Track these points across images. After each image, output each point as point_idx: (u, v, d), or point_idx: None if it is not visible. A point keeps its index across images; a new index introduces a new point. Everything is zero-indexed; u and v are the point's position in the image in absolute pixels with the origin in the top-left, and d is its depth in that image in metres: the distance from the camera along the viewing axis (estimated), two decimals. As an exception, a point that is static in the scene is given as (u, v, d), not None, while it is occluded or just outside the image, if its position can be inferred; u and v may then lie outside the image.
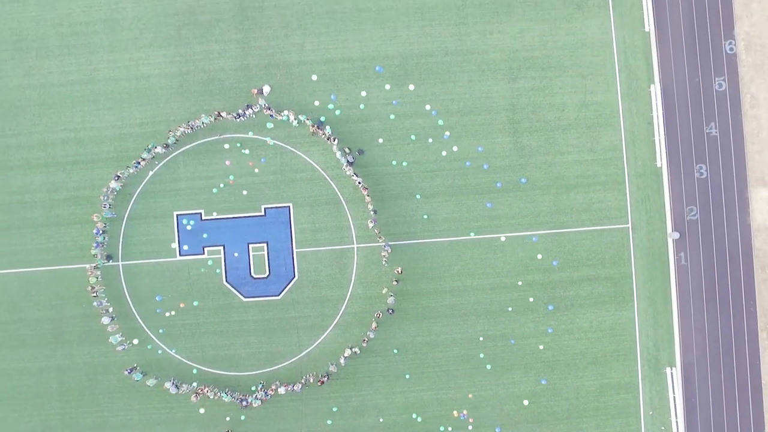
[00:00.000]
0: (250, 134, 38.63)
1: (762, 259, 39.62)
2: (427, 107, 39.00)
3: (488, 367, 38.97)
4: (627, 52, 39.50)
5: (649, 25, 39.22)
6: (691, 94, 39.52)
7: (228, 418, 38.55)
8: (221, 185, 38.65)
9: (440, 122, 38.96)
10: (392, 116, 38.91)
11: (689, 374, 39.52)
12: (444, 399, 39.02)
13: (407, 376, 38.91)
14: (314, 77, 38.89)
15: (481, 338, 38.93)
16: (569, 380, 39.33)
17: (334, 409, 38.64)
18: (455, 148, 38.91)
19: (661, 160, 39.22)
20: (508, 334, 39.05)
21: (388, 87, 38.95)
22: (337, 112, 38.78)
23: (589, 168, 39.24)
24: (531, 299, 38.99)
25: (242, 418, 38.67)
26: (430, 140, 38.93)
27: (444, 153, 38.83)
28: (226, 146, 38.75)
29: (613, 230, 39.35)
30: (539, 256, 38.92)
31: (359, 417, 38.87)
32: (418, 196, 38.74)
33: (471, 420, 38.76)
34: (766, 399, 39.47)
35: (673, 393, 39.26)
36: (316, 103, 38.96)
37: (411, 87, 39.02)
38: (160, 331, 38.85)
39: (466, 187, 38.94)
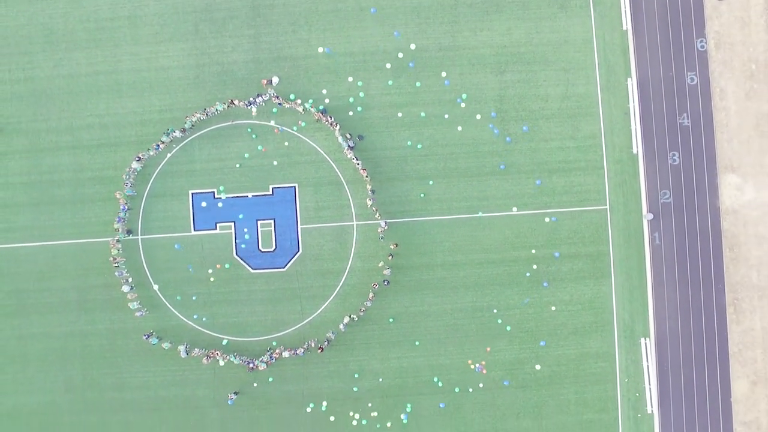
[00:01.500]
0: (254, 114, 41.82)
1: (730, 240, 42.82)
2: (423, 97, 42.45)
3: (476, 335, 42.23)
4: (606, 48, 42.92)
5: (627, 24, 42.63)
6: (665, 87, 42.88)
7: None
8: (237, 165, 42.11)
9: (434, 111, 42.40)
10: (390, 106, 42.32)
11: (662, 345, 42.68)
12: (435, 365, 42.29)
13: (417, 343, 41.92)
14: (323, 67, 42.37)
15: (494, 310, 42.10)
16: (551, 349, 42.53)
17: (355, 375, 41.93)
18: (447, 135, 42.31)
19: (637, 148, 42.54)
20: (494, 306, 42.33)
21: (386, 79, 42.44)
22: (351, 99, 42.17)
23: (571, 154, 42.60)
24: (528, 274, 42.08)
25: (254, 385, 41.91)
26: (425, 128, 42.36)
27: (436, 139, 42.24)
28: (248, 129, 42.12)
29: (592, 211, 42.68)
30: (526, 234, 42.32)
31: (358, 380, 42.18)
32: (431, 182, 42.00)
33: (484, 372, 41.83)
34: (733, 368, 42.58)
35: (647, 362, 42.36)
36: (324, 91, 42.37)
37: (407, 79, 42.48)
38: (178, 298, 42.29)
39: (456, 170, 42.36)
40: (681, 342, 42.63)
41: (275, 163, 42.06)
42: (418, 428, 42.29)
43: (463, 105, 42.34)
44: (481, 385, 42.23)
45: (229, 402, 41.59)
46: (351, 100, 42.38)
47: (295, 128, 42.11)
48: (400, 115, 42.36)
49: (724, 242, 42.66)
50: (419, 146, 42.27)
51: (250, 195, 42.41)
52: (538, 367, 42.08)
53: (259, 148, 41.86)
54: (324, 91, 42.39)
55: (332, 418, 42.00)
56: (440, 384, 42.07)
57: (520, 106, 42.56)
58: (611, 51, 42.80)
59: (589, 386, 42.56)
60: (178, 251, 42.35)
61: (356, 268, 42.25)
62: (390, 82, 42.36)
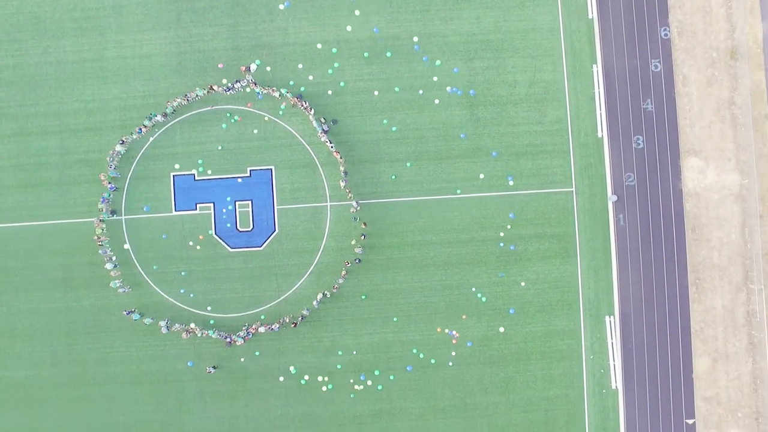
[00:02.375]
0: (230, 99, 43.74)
1: (692, 221, 44.26)
2: (394, 84, 44.04)
3: (445, 312, 43.77)
4: (572, 36, 44.45)
5: (593, 12, 44.15)
6: (630, 73, 44.41)
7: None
8: (219, 147, 43.85)
9: (405, 96, 43.99)
10: (363, 92, 43.98)
11: (626, 322, 44.14)
12: (405, 341, 43.87)
13: (395, 319, 43.50)
14: (299, 61, 44.06)
15: (473, 288, 43.67)
16: (518, 326, 44.05)
17: (339, 352, 43.57)
18: (419, 119, 43.91)
19: (602, 132, 44.05)
20: (463, 284, 43.86)
21: (360, 66, 44.07)
22: (342, 84, 43.81)
23: (538, 138, 44.15)
24: (512, 247, 43.65)
25: (242, 360, 43.58)
26: (397, 112, 43.99)
27: (407, 123, 43.87)
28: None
29: (559, 193, 44.21)
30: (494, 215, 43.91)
31: (330, 355, 43.81)
32: (408, 164, 43.58)
33: (456, 336, 43.39)
34: (694, 345, 43.99)
35: (612, 339, 43.83)
36: (300, 78, 44.07)
37: (380, 66, 44.13)
38: (154, 267, 43.87)
39: (427, 153, 43.97)
40: (645, 320, 44.05)
41: (255, 131, 43.78)
42: (390, 400, 43.76)
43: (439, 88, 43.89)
44: (453, 354, 43.52)
45: (208, 371, 43.08)
46: (325, 86, 43.91)
47: (281, 113, 43.67)
48: (373, 99, 43.81)
49: (686, 224, 44.09)
50: (394, 129, 43.72)
51: (228, 176, 44.01)
52: (501, 329, 43.40)
53: (235, 118, 43.33)
54: (300, 78, 43.99)
55: (304, 380, 43.66)
56: (421, 356, 43.54)
57: (489, 92, 44.15)
58: (577, 38, 44.32)
59: (555, 363, 44.02)
60: (158, 230, 43.97)
61: (330, 247, 43.87)
62: (365, 69, 43.95)
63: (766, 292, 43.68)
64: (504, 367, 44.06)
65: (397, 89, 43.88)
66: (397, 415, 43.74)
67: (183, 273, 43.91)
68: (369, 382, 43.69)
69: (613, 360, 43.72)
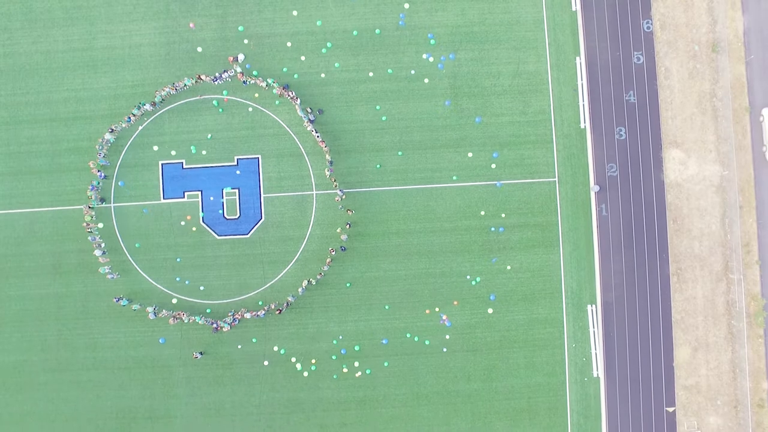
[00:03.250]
0: (226, 93, 44.45)
1: (673, 212, 44.85)
2: (380, 73, 44.65)
3: (429, 300, 44.38)
4: (556, 28, 45.06)
5: (576, 5, 44.76)
6: (612, 65, 45.01)
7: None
8: (209, 136, 44.48)
9: (392, 87, 44.61)
10: (348, 82, 44.60)
11: (608, 312, 44.73)
12: (390, 328, 44.47)
13: (387, 307, 44.13)
14: (288, 44, 44.58)
15: (467, 276, 44.25)
16: (501, 314, 44.63)
17: (337, 339, 44.21)
18: (403, 110, 44.52)
19: (585, 123, 44.65)
20: (447, 272, 44.45)
21: (346, 56, 44.68)
22: (322, 75, 44.46)
23: (521, 128, 44.74)
24: (501, 229, 44.06)
25: (239, 346, 44.22)
26: (380, 102, 44.58)
27: (393, 113, 44.48)
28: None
29: (542, 183, 44.81)
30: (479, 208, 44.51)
31: (315, 342, 44.43)
32: (399, 153, 44.19)
33: (445, 320, 44.05)
34: (675, 335, 44.58)
35: (594, 328, 44.44)
36: (285, 69, 44.72)
37: (365, 56, 44.72)
38: (137, 245, 44.46)
39: (411, 143, 44.57)
40: (626, 309, 44.66)
41: (250, 109, 44.44)
42: (373, 388, 44.37)
43: (424, 78, 44.58)
44: (447, 337, 44.16)
45: (195, 357, 43.71)
46: (312, 76, 44.54)
47: (277, 102, 44.27)
48: (359, 90, 44.44)
49: (668, 214, 44.68)
50: (384, 118, 44.22)
51: (216, 165, 44.61)
52: (490, 311, 44.13)
53: (225, 93, 44.07)
54: (285, 69, 44.58)
55: (294, 362, 44.34)
56: (416, 338, 44.24)
57: (473, 83, 44.73)
58: (561, 31, 44.91)
59: (537, 351, 44.63)
60: (147, 217, 44.58)
61: (315, 235, 44.48)
62: (351, 60, 44.59)
63: (745, 282, 44.27)
64: (487, 355, 44.65)
65: (390, 71, 44.39)
66: (380, 401, 44.35)
67: (170, 260, 44.45)
68: (353, 368, 44.22)
69: (595, 348, 44.32)
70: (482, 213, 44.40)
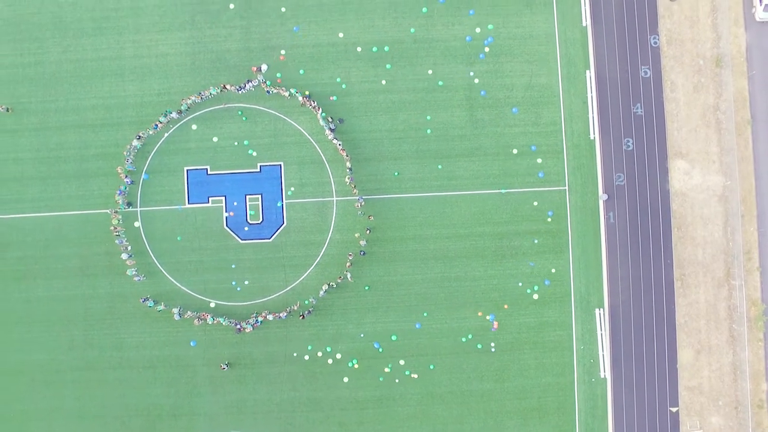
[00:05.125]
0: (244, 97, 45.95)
1: (678, 220, 46.78)
2: (398, 85, 46.42)
3: (445, 302, 46.14)
4: (567, 43, 46.92)
5: (586, 21, 46.63)
6: (621, 79, 46.92)
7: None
8: (235, 143, 46.13)
9: (409, 98, 46.37)
10: (368, 93, 46.30)
11: (615, 315, 46.61)
12: (405, 330, 46.19)
13: (425, 314, 45.68)
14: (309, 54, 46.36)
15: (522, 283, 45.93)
16: (513, 317, 46.42)
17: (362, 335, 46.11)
18: (420, 120, 46.30)
19: (594, 134, 46.49)
20: (461, 277, 46.24)
21: (366, 67, 46.42)
22: (343, 86, 46.07)
23: (533, 139, 46.57)
24: (536, 240, 45.99)
25: (297, 355, 45.65)
26: (400, 113, 46.34)
27: (411, 122, 46.25)
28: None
29: (553, 191, 46.65)
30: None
31: (334, 342, 46.13)
32: (439, 166, 45.81)
33: (495, 326, 45.83)
34: (679, 337, 46.50)
35: (601, 330, 46.27)
36: (302, 72, 46.31)
37: (387, 67, 46.46)
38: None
39: (428, 152, 46.35)
40: (632, 313, 46.53)
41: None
42: (390, 386, 46.09)
43: (441, 90, 46.50)
44: (463, 339, 45.86)
45: (222, 368, 45.37)
46: (333, 86, 46.22)
47: (322, 115, 45.90)
48: (378, 100, 46.17)
49: (673, 222, 46.60)
50: (429, 131, 46.06)
51: (239, 171, 46.24)
52: (535, 297, 45.97)
53: (240, 113, 45.77)
54: (309, 78, 46.29)
55: (306, 357, 46.01)
56: (465, 338, 45.95)
57: (488, 94, 46.53)
58: (572, 45, 46.77)
59: (547, 352, 46.41)
60: (172, 222, 46.15)
61: (335, 240, 46.17)
62: (370, 71, 46.32)
63: (746, 288, 46.26)
64: (499, 356, 46.42)
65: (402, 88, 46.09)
66: (397, 400, 46.06)
67: (194, 263, 46.05)
68: (368, 368, 46.06)
69: (602, 350, 46.12)
70: (498, 221, 46.21)
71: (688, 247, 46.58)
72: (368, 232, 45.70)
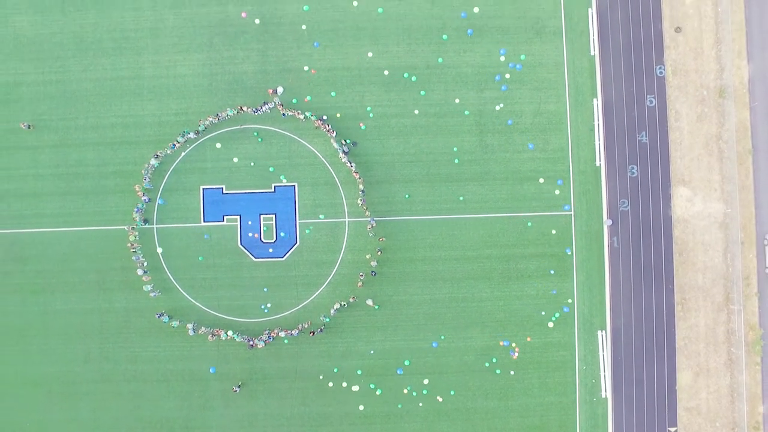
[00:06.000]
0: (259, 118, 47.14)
1: (680, 246, 48.15)
2: (412, 109, 47.68)
3: (452, 323, 47.46)
4: (575, 71, 48.21)
5: (594, 50, 47.94)
6: (627, 107, 48.23)
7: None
8: (252, 163, 47.34)
9: (421, 122, 47.66)
10: (372, 115, 47.52)
11: (617, 337, 47.97)
12: (414, 348, 47.49)
13: (442, 336, 46.86)
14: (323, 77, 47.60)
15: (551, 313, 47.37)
16: (517, 338, 47.75)
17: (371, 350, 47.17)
18: (431, 144, 47.58)
19: (600, 161, 47.83)
20: (468, 298, 47.56)
21: (379, 93, 47.66)
22: (371, 114, 47.41)
23: (541, 164, 47.87)
24: (552, 271, 47.52)
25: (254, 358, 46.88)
26: (412, 137, 47.62)
27: (421, 147, 47.53)
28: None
29: (559, 216, 47.96)
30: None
31: (344, 359, 47.41)
32: (461, 198, 47.18)
33: (516, 355, 47.23)
34: (678, 360, 47.87)
35: (603, 352, 47.64)
36: (309, 98, 47.55)
37: (397, 93, 47.72)
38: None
39: (438, 175, 47.62)
40: (634, 335, 47.91)
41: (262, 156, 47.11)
42: (396, 404, 47.39)
43: (452, 115, 47.80)
44: (467, 359, 47.19)
45: (234, 390, 46.55)
46: (347, 110, 47.44)
47: (305, 134, 47.19)
48: (390, 125, 47.45)
49: (674, 248, 47.96)
50: (456, 161, 47.34)
51: (254, 191, 47.43)
52: (550, 324, 47.53)
53: (255, 134, 47.12)
54: (324, 101, 47.50)
55: (330, 384, 47.30)
56: (492, 360, 47.26)
57: (497, 120, 47.83)
58: (580, 74, 48.06)
59: (550, 372, 47.76)
60: (187, 239, 47.37)
61: (347, 260, 47.42)
62: (384, 95, 47.59)
63: (744, 313, 47.67)
64: (503, 375, 47.71)
65: (415, 111, 47.31)
66: (404, 416, 47.36)
67: (209, 280, 47.24)
68: (379, 386, 47.34)
69: (604, 371, 47.48)
70: (506, 243, 47.51)
71: (689, 272, 47.96)
72: (379, 253, 46.93)
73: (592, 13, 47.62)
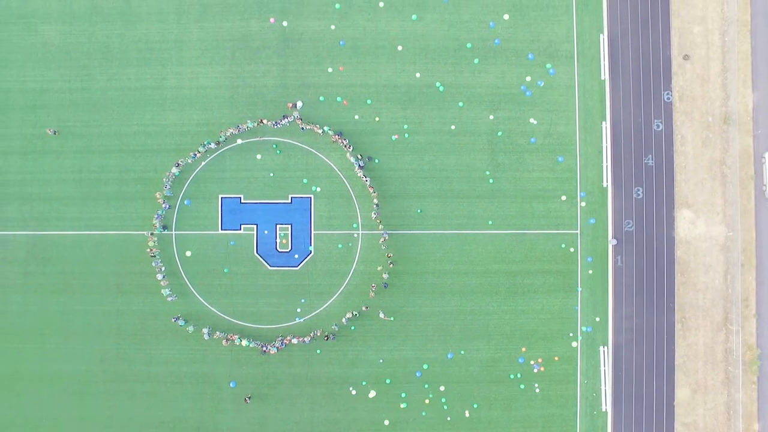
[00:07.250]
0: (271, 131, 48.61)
1: (682, 266, 49.67)
2: (426, 126, 49.19)
3: (459, 334, 48.92)
4: (585, 94, 49.74)
5: (605, 74, 49.46)
6: (634, 131, 49.76)
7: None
8: (271, 174, 48.84)
9: (435, 139, 49.15)
10: (395, 135, 49.08)
11: (618, 353, 49.45)
12: (422, 357, 48.95)
13: (462, 352, 48.29)
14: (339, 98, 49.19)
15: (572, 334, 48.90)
16: (536, 354, 49.11)
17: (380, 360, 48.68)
18: (445, 161, 49.08)
19: (607, 182, 49.35)
20: (476, 311, 49.03)
21: (396, 109, 49.14)
22: (378, 120, 48.77)
23: (550, 184, 49.37)
24: (580, 289, 48.94)
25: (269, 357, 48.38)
26: (426, 153, 49.12)
27: (435, 164, 49.04)
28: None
29: (565, 234, 49.45)
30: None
31: (354, 367, 48.85)
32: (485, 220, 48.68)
33: (542, 369, 48.74)
34: (677, 377, 49.36)
35: (604, 367, 49.09)
36: (339, 116, 49.10)
37: (413, 110, 49.20)
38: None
39: (450, 192, 49.12)
40: (634, 351, 49.40)
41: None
42: (403, 410, 48.80)
43: (465, 134, 49.29)
44: (473, 370, 48.59)
45: (246, 401, 47.94)
46: (364, 126, 48.93)
47: (322, 148, 48.66)
48: (406, 141, 48.93)
49: (676, 268, 49.47)
50: (491, 181, 48.85)
51: (271, 201, 48.88)
52: (574, 344, 48.88)
53: (275, 146, 48.82)
54: (341, 117, 48.98)
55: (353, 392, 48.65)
56: (515, 375, 48.69)
57: (509, 140, 49.34)
58: (590, 97, 49.59)
59: (553, 385, 49.21)
60: (205, 246, 48.81)
61: (359, 271, 48.88)
62: (400, 112, 49.10)
63: (742, 333, 49.21)
64: (507, 386, 49.18)
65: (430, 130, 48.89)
66: (410, 423, 48.81)
67: (224, 287, 48.68)
68: (388, 393, 48.79)
69: (605, 385, 48.94)
70: (513, 260, 49.00)
71: (689, 292, 49.46)
72: (391, 265, 48.38)
73: (604, 38, 49.18)
